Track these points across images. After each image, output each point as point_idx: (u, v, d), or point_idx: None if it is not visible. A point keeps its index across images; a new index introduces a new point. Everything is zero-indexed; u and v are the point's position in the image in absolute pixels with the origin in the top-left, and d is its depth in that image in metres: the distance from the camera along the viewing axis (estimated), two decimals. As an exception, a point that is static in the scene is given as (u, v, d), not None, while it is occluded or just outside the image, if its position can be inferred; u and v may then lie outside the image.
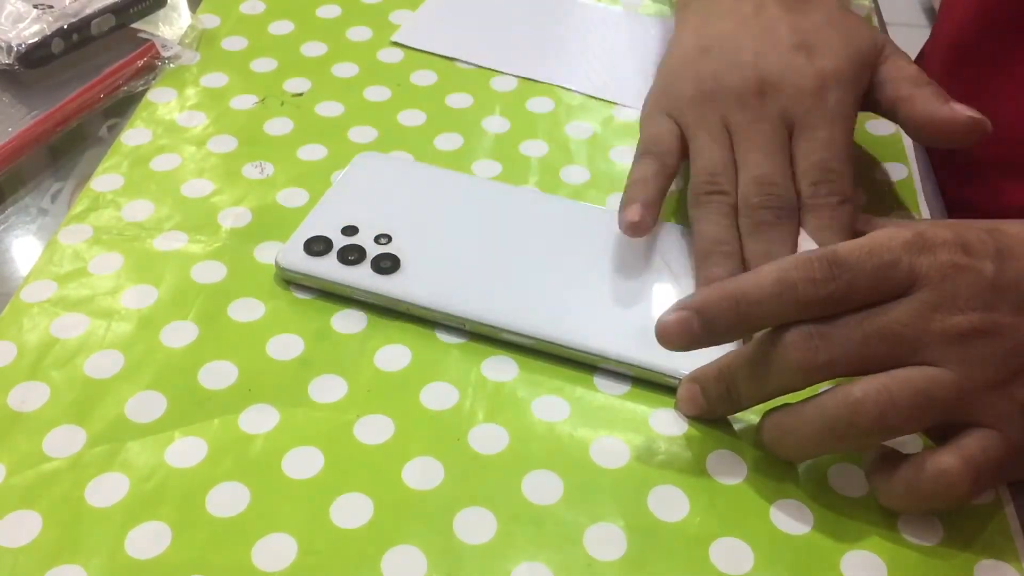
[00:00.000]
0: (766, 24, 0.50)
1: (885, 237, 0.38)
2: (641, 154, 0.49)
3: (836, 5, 0.52)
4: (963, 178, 0.57)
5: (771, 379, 0.39)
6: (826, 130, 0.47)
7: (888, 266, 0.37)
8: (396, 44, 0.62)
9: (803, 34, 0.49)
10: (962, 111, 0.47)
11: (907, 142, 0.56)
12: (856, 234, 0.43)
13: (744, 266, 0.45)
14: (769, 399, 0.40)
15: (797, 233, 0.45)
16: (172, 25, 0.62)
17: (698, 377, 0.41)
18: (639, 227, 0.47)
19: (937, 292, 0.37)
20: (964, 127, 0.46)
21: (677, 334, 0.39)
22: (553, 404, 0.43)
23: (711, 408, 0.41)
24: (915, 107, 0.48)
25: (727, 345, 0.42)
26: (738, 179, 0.47)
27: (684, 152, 0.49)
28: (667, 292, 0.46)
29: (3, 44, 0.56)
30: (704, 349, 0.41)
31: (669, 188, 0.48)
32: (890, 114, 0.49)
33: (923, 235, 0.38)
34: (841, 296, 0.37)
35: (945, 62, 0.61)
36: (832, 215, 0.45)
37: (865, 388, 0.37)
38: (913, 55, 0.68)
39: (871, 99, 0.50)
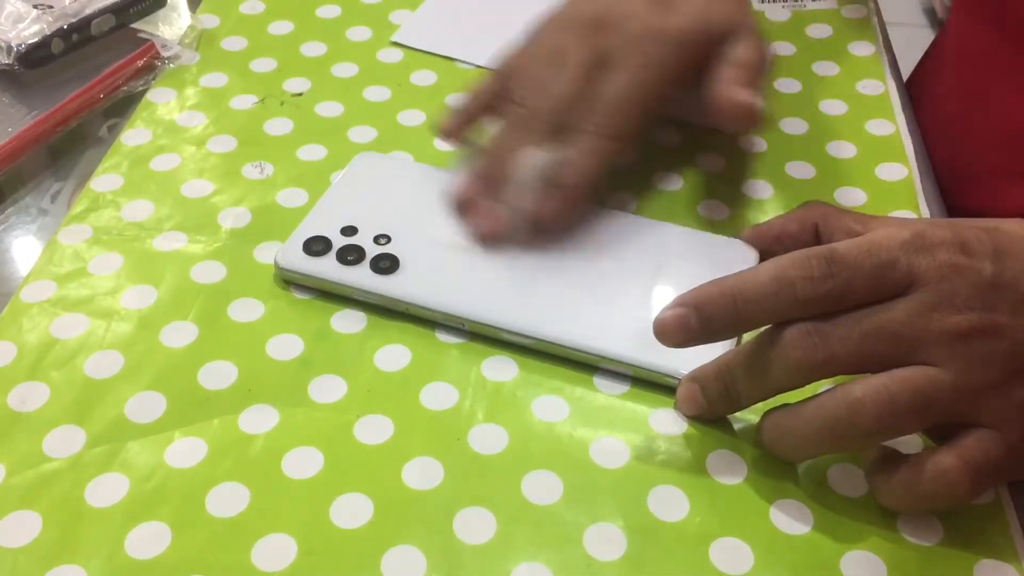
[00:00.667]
0: None
1: (884, 236, 0.38)
2: (492, 72, 0.53)
3: None
4: (964, 184, 0.57)
5: (770, 377, 0.39)
6: (630, 74, 0.48)
7: (886, 265, 0.37)
8: (396, 44, 0.62)
9: None
10: (740, 95, 0.47)
11: (907, 142, 0.56)
12: (591, 171, 0.47)
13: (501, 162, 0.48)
14: (768, 398, 0.40)
15: (545, 142, 0.47)
16: (172, 25, 0.62)
17: (697, 377, 0.41)
18: (447, 134, 0.52)
19: (936, 292, 0.37)
20: (733, 110, 0.47)
21: (674, 331, 0.39)
22: (553, 404, 0.43)
23: (711, 408, 0.41)
24: (712, 85, 0.48)
25: (727, 344, 0.43)
26: None
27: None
28: (667, 292, 0.46)
29: (3, 44, 0.56)
30: (705, 349, 0.41)
31: (488, 101, 0.51)
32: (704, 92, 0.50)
33: (922, 235, 0.38)
34: (839, 294, 0.37)
35: (950, 68, 0.61)
36: (597, 143, 0.47)
37: (865, 388, 0.37)
38: (913, 55, 0.68)
39: (706, 74, 0.50)
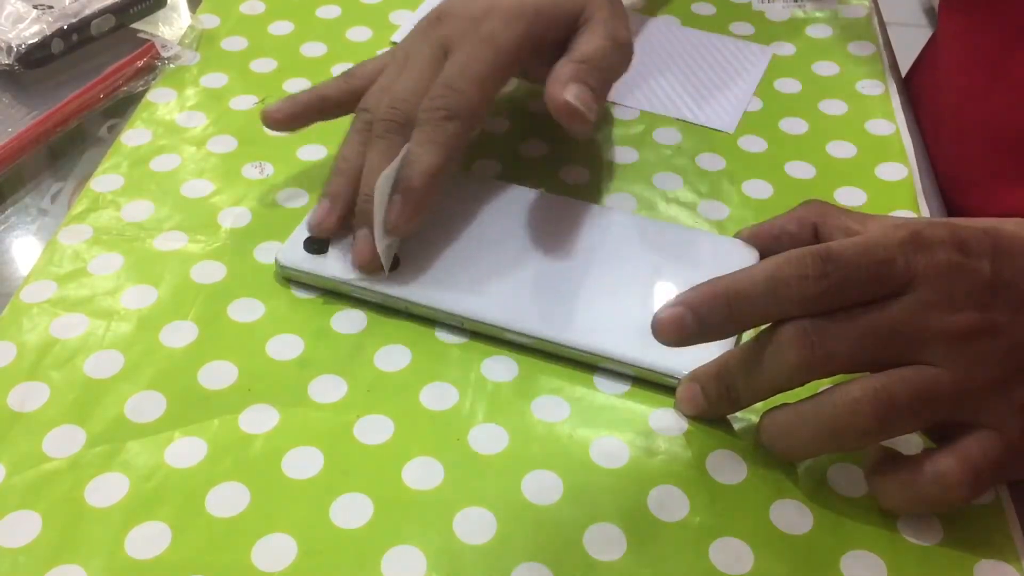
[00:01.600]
0: None
1: (881, 235, 0.38)
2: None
3: None
4: (963, 184, 0.57)
5: (768, 376, 0.39)
6: (466, 53, 0.47)
7: (883, 264, 0.37)
8: (396, 44, 0.62)
9: None
10: (564, 95, 0.46)
11: (907, 142, 0.56)
12: (453, 152, 0.46)
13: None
14: (768, 397, 0.40)
15: (393, 145, 0.46)
16: (172, 25, 0.62)
17: (697, 376, 0.42)
18: (269, 116, 0.50)
19: (934, 291, 0.37)
20: (560, 110, 0.47)
21: (670, 330, 0.39)
22: (553, 404, 0.43)
23: (711, 407, 0.41)
24: (548, 82, 0.48)
25: (727, 344, 0.43)
26: None
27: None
28: (667, 292, 0.46)
29: (3, 44, 0.56)
30: (705, 349, 0.41)
31: (337, 108, 0.51)
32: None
33: (920, 234, 0.38)
34: (835, 293, 0.37)
35: (943, 68, 0.61)
36: (433, 130, 0.46)
37: (863, 388, 0.37)
38: (913, 55, 0.68)
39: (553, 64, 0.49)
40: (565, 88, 0.46)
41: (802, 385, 0.39)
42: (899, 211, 0.52)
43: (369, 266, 0.45)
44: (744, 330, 0.42)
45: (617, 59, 0.50)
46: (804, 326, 0.38)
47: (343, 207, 0.47)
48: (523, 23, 0.48)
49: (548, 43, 0.50)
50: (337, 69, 0.60)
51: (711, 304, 0.39)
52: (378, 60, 0.52)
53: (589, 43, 0.49)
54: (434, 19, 0.50)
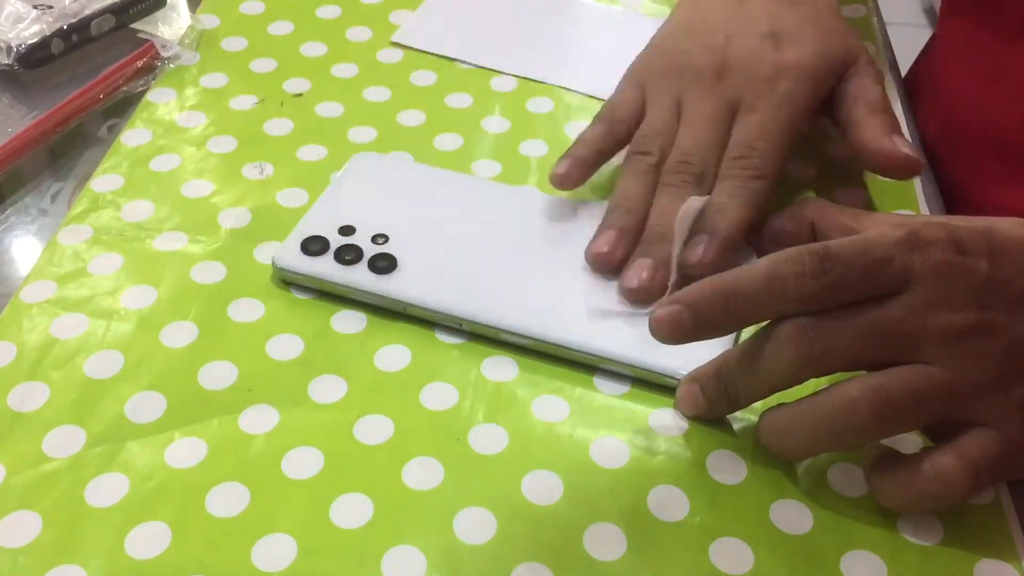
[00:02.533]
0: (749, 12, 0.53)
1: (878, 234, 0.38)
2: (596, 117, 0.51)
3: (827, 6, 0.53)
4: (962, 184, 0.57)
5: (767, 374, 0.39)
6: (764, 114, 0.48)
7: (881, 263, 0.37)
8: (396, 44, 0.62)
9: (779, 25, 0.51)
10: (900, 147, 0.48)
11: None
12: (766, 214, 0.46)
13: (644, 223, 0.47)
14: (767, 395, 0.40)
15: (685, 193, 0.47)
16: (172, 25, 0.62)
17: (697, 377, 0.42)
18: (563, 179, 0.49)
19: (931, 290, 0.37)
20: (899, 163, 0.48)
21: (668, 328, 0.39)
22: (553, 404, 0.43)
23: (710, 407, 0.41)
24: (862, 134, 0.49)
25: (726, 344, 0.43)
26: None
27: (641, 121, 0.51)
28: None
29: (3, 45, 0.56)
30: (704, 349, 0.41)
31: (612, 152, 0.51)
32: (843, 132, 0.51)
33: (917, 233, 0.38)
34: (832, 291, 0.37)
35: (942, 69, 0.61)
36: (740, 185, 0.46)
37: (861, 387, 0.37)
38: (913, 55, 0.68)
39: (831, 108, 0.51)
40: (891, 140, 0.48)
41: (800, 383, 0.39)
42: (899, 211, 0.52)
43: (642, 294, 0.45)
44: (742, 328, 0.42)
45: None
46: (801, 323, 0.38)
47: (631, 242, 0.47)
48: (814, 81, 0.50)
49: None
50: (337, 69, 0.60)
51: (709, 301, 0.39)
52: (627, 102, 0.51)
53: (874, 89, 0.50)
54: (714, 73, 0.50)
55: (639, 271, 0.45)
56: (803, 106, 0.49)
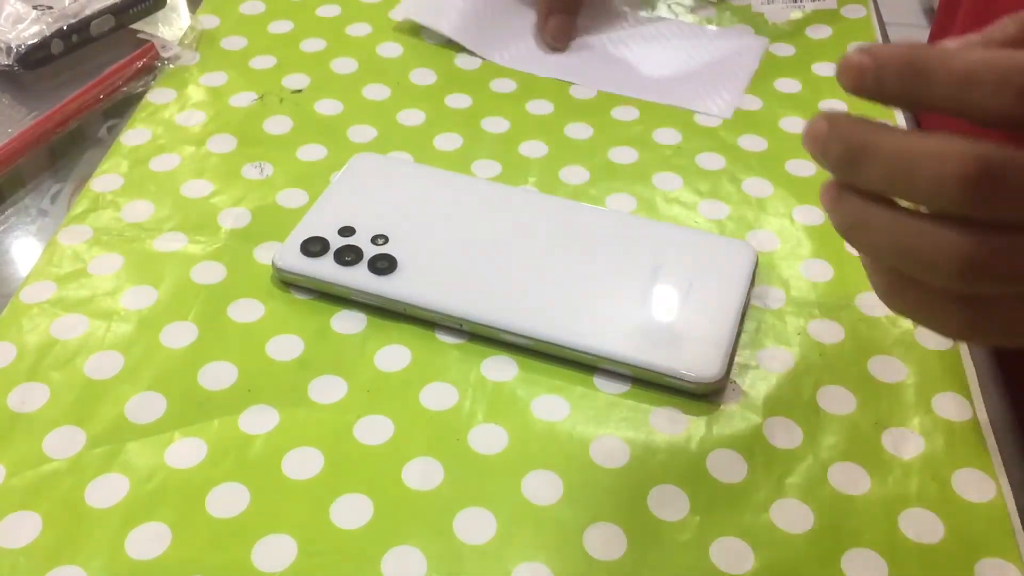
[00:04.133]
0: None
1: None
2: None
3: None
4: None
5: (913, 180, 0.32)
6: None
7: None
8: (395, 38, 0.62)
9: None
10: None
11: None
12: None
13: None
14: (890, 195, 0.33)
15: None
16: (172, 26, 0.62)
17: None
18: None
19: None
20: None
21: (848, 76, 0.34)
22: (553, 404, 0.43)
23: (826, 159, 0.34)
24: None
25: (725, 342, 0.43)
26: None
27: None
28: (667, 292, 0.46)
29: (3, 45, 0.56)
30: (704, 348, 0.41)
31: None
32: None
33: None
34: None
35: None
36: None
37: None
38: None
39: None
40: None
41: (944, 208, 0.32)
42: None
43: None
44: (920, 110, 0.35)
45: None
46: (987, 147, 0.31)
47: None
48: None
49: None
50: (336, 64, 0.60)
51: (898, 70, 0.33)
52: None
53: None
54: None
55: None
56: None
